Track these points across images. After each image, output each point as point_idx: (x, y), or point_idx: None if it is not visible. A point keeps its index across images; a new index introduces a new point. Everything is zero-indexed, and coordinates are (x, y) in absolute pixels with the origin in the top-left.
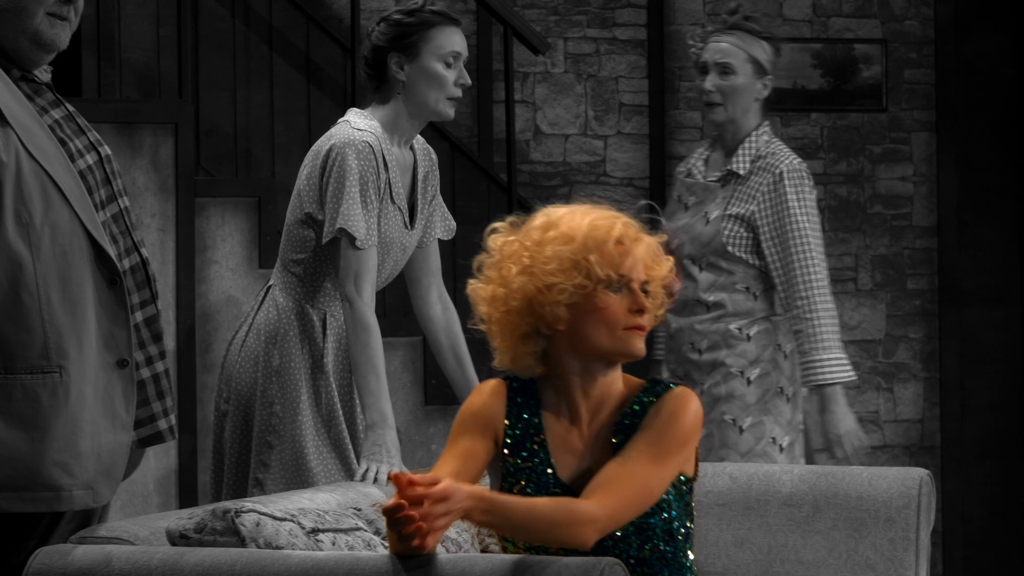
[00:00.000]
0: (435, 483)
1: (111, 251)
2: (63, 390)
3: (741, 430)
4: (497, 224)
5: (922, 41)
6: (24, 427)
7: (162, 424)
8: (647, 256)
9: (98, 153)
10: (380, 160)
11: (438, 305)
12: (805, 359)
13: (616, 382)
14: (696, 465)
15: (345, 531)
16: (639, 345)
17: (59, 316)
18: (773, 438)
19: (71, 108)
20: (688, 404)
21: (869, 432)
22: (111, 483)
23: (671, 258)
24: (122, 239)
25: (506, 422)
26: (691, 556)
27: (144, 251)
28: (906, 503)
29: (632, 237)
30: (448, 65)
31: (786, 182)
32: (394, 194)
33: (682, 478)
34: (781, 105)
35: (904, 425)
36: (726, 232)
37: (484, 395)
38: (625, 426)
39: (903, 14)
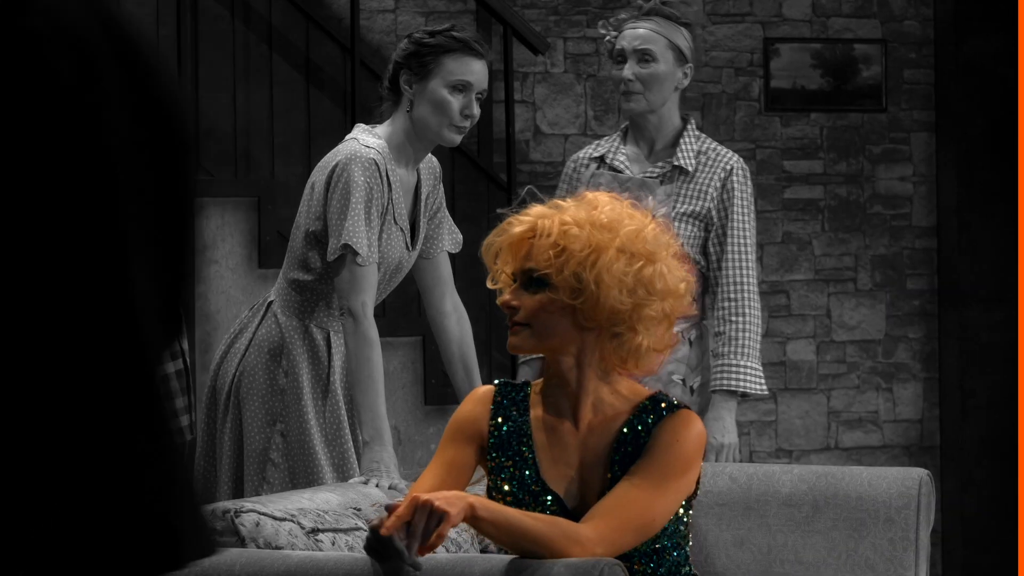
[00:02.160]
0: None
1: None
2: None
3: None
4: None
5: (922, 41)
6: None
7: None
8: (534, 244)
9: None
10: (384, 179)
11: (452, 316)
12: (722, 361)
13: (616, 391)
14: (697, 485)
15: (345, 531)
16: (511, 339)
17: None
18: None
19: None
20: (691, 428)
21: (868, 432)
22: None
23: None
24: None
25: (491, 422)
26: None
27: None
28: (906, 503)
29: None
30: (457, 90)
31: (735, 179)
32: (396, 215)
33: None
34: (780, 105)
35: (903, 425)
36: (681, 232)
37: (471, 402)
38: (626, 451)
39: (903, 14)
